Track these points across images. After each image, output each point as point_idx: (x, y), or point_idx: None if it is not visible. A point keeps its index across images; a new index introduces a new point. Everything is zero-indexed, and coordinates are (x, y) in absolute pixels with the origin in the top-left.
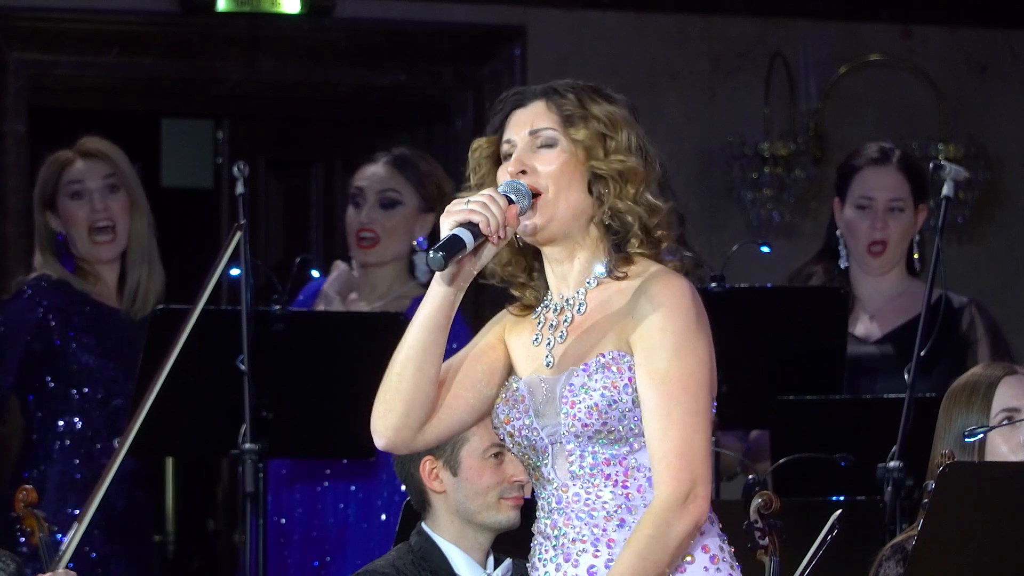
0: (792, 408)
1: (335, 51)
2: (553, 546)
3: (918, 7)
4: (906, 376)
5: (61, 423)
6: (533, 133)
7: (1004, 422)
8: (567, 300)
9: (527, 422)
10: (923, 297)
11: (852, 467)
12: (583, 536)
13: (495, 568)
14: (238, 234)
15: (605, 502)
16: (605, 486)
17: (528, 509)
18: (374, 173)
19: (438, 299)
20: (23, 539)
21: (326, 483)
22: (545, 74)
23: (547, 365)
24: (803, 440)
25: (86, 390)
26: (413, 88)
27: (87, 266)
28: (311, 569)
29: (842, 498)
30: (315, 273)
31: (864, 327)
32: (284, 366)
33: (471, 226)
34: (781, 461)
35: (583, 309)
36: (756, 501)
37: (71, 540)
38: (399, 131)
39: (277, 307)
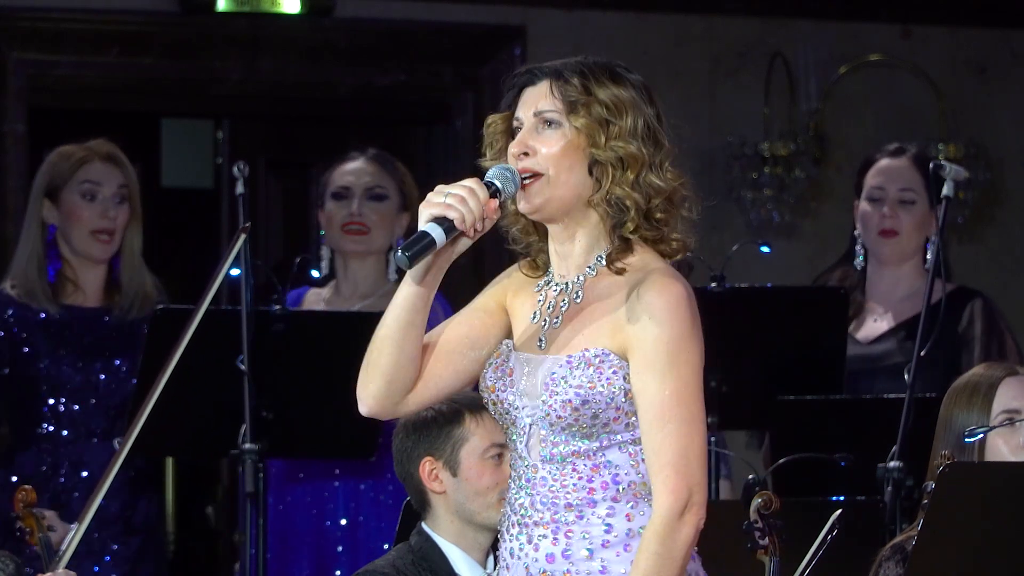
0: (792, 408)
1: (335, 51)
2: (518, 523)
3: (918, 7)
4: (906, 376)
5: (37, 430)
6: (537, 115)
7: (1005, 423)
8: (567, 284)
9: (511, 399)
10: (924, 296)
11: (852, 467)
12: (545, 521)
13: (495, 568)
14: (243, 236)
15: (568, 492)
16: (570, 477)
17: None
18: (359, 168)
19: (411, 292)
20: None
21: (336, 482)
22: None
23: (539, 346)
24: (803, 440)
25: (62, 399)
26: (413, 88)
27: (72, 264)
28: (318, 567)
29: (842, 498)
30: (315, 273)
31: (867, 329)
32: (284, 366)
33: (444, 221)
34: (781, 461)
35: (579, 298)
36: (756, 501)
37: (71, 540)
38: (399, 131)
39: (277, 307)
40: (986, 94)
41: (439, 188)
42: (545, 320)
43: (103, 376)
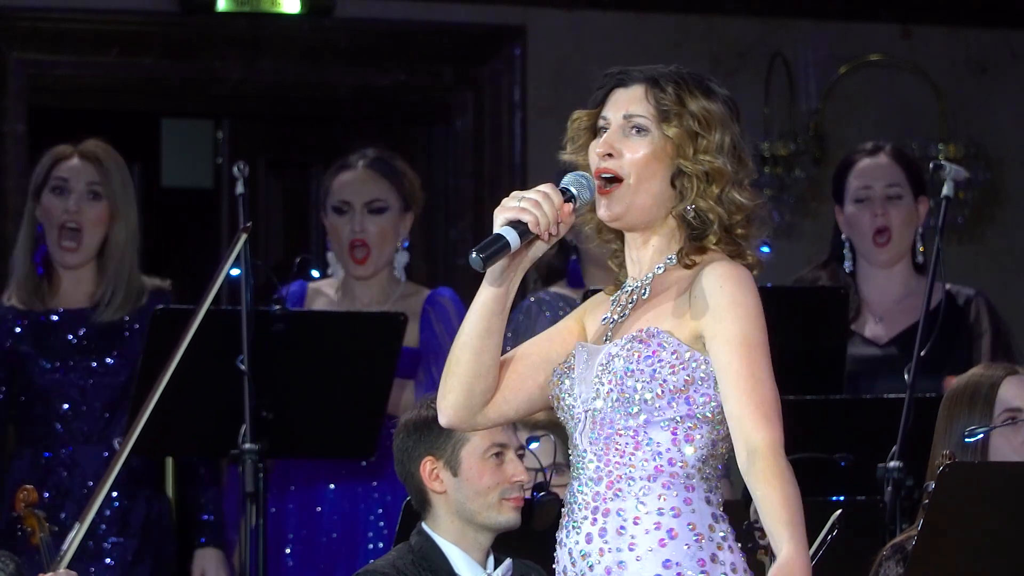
0: (792, 408)
1: (335, 51)
2: (568, 512)
3: (918, 7)
4: (906, 376)
5: (31, 440)
6: (627, 117)
7: (1007, 422)
8: (638, 284)
9: (568, 386)
10: (923, 297)
11: (852, 467)
12: (587, 502)
13: (495, 568)
14: (244, 236)
15: (610, 471)
16: (613, 455)
17: (528, 509)
18: (357, 180)
19: (489, 294)
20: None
21: (333, 484)
22: (545, 74)
23: (604, 340)
24: (803, 440)
25: (53, 404)
26: (413, 88)
27: (56, 265)
28: (321, 567)
29: (842, 498)
30: (315, 273)
31: (871, 330)
32: (284, 366)
33: (519, 225)
34: None
35: (647, 293)
36: None
37: (73, 540)
38: (399, 131)
39: (277, 307)
40: (986, 94)
41: (514, 193)
42: (615, 319)
43: (89, 379)
